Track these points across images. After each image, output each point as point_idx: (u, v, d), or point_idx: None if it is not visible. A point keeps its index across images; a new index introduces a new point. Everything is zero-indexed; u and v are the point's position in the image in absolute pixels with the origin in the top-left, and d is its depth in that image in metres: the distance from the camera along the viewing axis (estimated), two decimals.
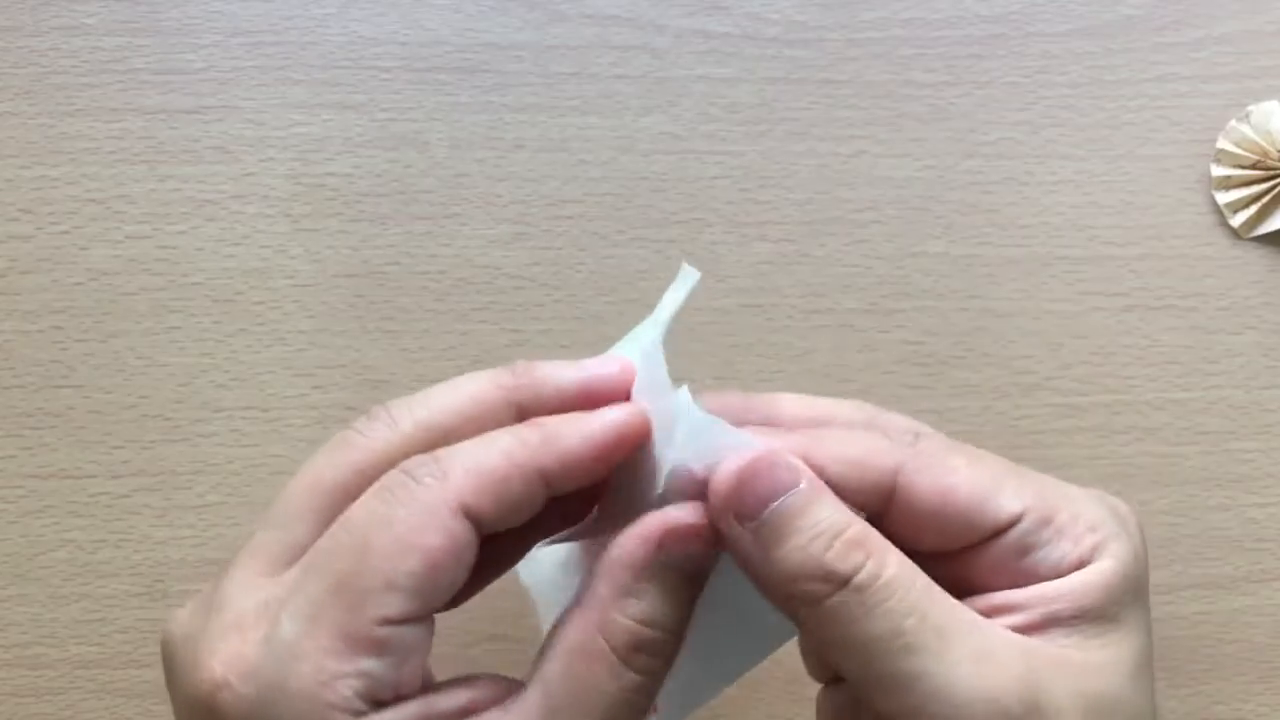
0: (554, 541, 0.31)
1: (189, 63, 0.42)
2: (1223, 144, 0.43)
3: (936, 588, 0.27)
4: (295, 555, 0.27)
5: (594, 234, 0.42)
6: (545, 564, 0.32)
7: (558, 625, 0.28)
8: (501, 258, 0.42)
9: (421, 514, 0.26)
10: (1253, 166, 0.43)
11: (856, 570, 0.26)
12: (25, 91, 0.41)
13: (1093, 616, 0.27)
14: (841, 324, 0.42)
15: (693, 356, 0.42)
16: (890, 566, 0.26)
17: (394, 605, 0.25)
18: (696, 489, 0.27)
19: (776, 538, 0.26)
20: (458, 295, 0.41)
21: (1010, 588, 0.28)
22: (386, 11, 0.42)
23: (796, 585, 0.26)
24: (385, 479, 0.27)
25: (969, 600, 0.28)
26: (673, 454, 0.27)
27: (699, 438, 0.27)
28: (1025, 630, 0.27)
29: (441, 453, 0.27)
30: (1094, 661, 0.27)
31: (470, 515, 0.26)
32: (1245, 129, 0.43)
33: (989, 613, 0.27)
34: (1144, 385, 0.42)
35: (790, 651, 0.32)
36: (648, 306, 0.41)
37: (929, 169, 0.43)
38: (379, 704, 0.26)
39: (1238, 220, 0.43)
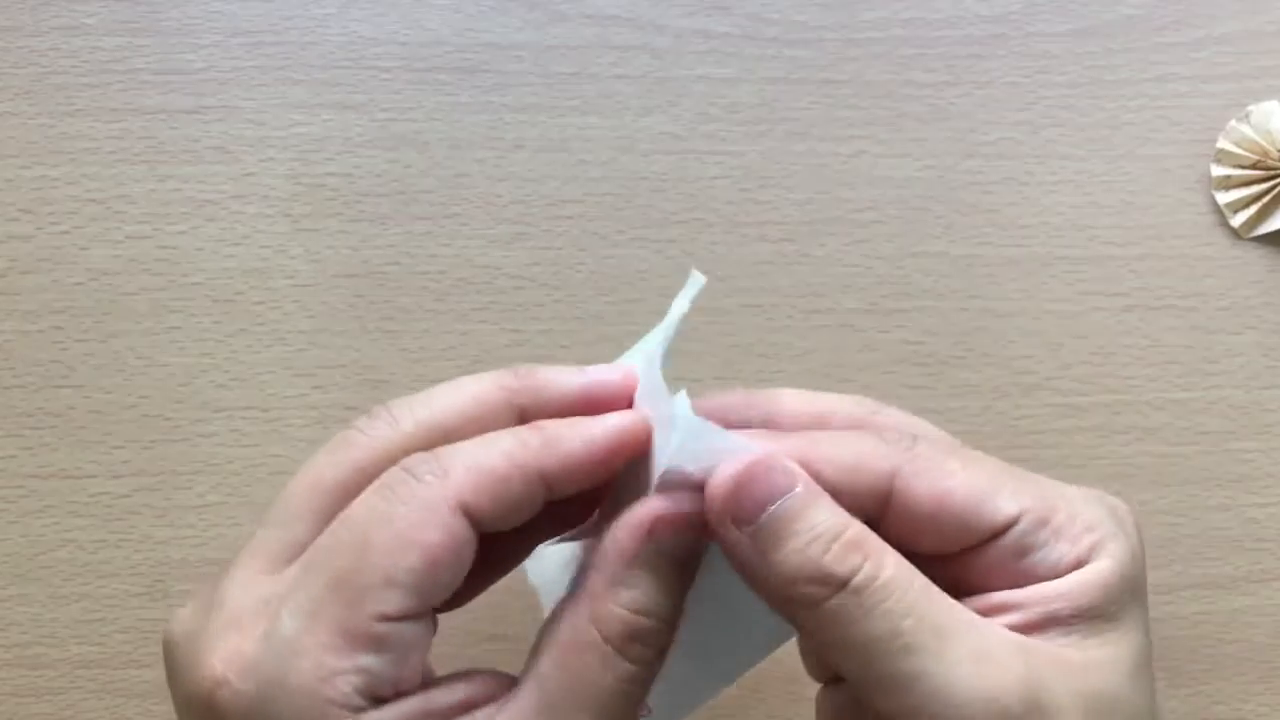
0: (560, 541, 0.31)
1: (189, 63, 0.42)
2: (1223, 144, 0.43)
3: (935, 588, 0.27)
4: (296, 553, 0.27)
5: (594, 234, 0.42)
6: (551, 563, 0.32)
7: (551, 619, 0.28)
8: (501, 258, 0.42)
9: (421, 511, 0.26)
10: (1253, 166, 0.43)
11: (854, 572, 0.26)
12: (25, 91, 0.41)
13: (1091, 616, 0.27)
14: (841, 324, 0.42)
15: (693, 356, 0.42)
16: (888, 568, 0.26)
17: (393, 602, 0.25)
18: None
19: (774, 541, 0.26)
20: (458, 295, 0.41)
21: (1009, 588, 0.28)
22: (386, 11, 0.42)
23: (794, 588, 0.26)
24: (386, 476, 0.27)
25: (968, 600, 0.28)
26: (665, 459, 0.27)
27: (695, 442, 0.27)
28: (1024, 629, 0.27)
29: (442, 451, 0.27)
30: (1093, 660, 0.27)
31: (469, 513, 0.26)
32: (1245, 129, 0.43)
33: (987, 612, 0.27)
34: (1144, 385, 0.42)
35: (790, 651, 0.32)
36: (648, 306, 0.42)
37: (929, 169, 0.43)
38: (378, 700, 0.26)
39: (1238, 220, 0.43)
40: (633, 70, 0.42)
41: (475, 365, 0.41)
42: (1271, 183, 0.42)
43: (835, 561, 0.26)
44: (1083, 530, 0.28)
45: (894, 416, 0.31)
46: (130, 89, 0.41)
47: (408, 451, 0.27)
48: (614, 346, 0.37)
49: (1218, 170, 0.43)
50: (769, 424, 0.30)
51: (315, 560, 0.26)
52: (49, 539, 0.40)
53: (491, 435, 0.28)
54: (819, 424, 0.30)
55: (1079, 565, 0.27)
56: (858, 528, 0.27)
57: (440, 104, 0.42)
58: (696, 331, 0.42)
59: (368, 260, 0.41)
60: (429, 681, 0.27)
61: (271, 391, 0.41)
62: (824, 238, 0.42)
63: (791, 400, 0.31)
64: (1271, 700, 0.42)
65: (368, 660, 0.25)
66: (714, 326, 0.42)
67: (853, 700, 0.30)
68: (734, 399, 0.30)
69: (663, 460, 0.27)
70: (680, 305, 0.29)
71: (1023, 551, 0.28)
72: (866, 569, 0.26)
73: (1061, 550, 0.28)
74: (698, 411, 0.27)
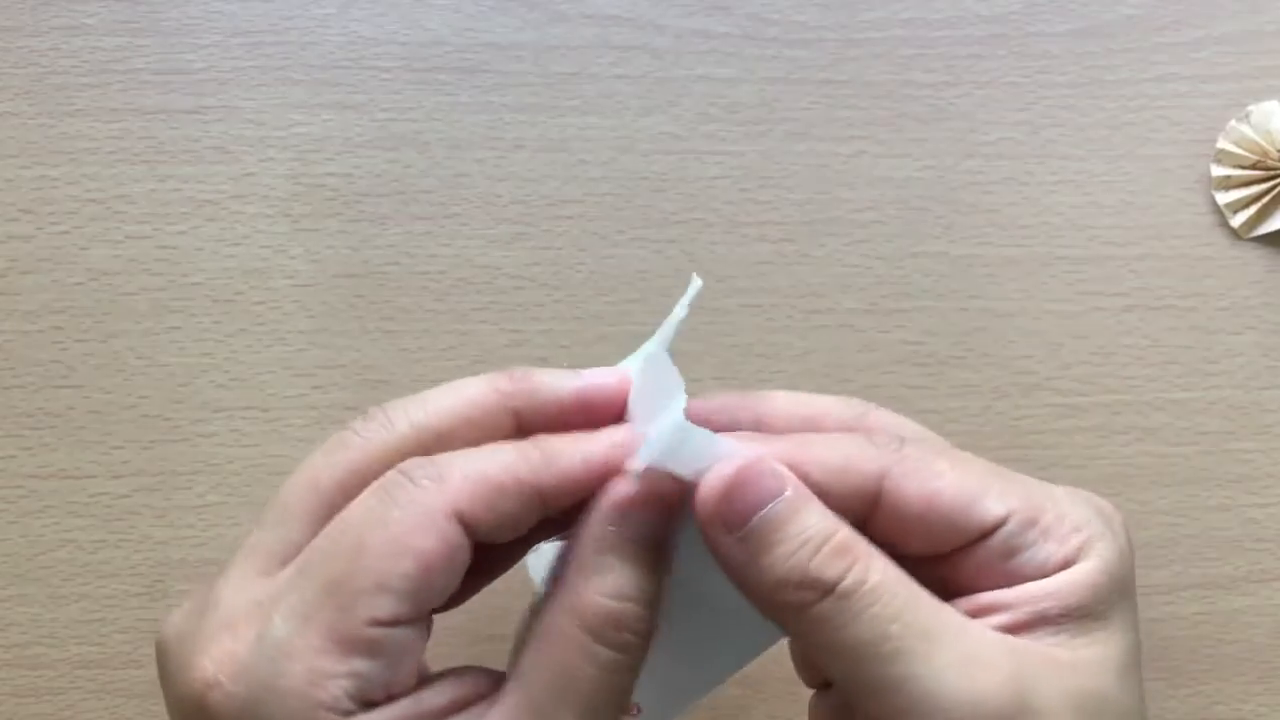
0: (561, 539, 0.31)
1: (189, 63, 0.42)
2: (1223, 144, 0.43)
3: (923, 592, 0.27)
4: (290, 555, 0.27)
5: (594, 234, 0.42)
6: (551, 559, 0.32)
7: (531, 616, 0.28)
8: (501, 258, 0.42)
9: (417, 516, 0.26)
10: (1253, 166, 0.43)
11: (841, 577, 0.26)
12: (25, 91, 0.41)
13: (1080, 615, 0.27)
14: (841, 324, 0.42)
15: (693, 356, 0.42)
16: (875, 572, 0.26)
17: (385, 607, 0.25)
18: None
19: (762, 546, 0.26)
20: (458, 295, 0.41)
21: (997, 589, 0.28)
22: (386, 11, 0.42)
23: (782, 593, 0.26)
24: (383, 479, 0.27)
25: (956, 601, 0.28)
26: (651, 455, 0.27)
27: (685, 446, 0.27)
28: (1013, 629, 0.27)
29: (441, 457, 0.27)
30: (1082, 660, 0.27)
31: (465, 521, 0.26)
32: (1245, 129, 0.43)
33: (977, 613, 0.27)
34: (1144, 385, 0.42)
35: (790, 651, 0.32)
36: (648, 306, 0.42)
37: (929, 169, 0.43)
38: (369, 704, 0.26)
39: (1238, 220, 0.43)
40: (633, 70, 0.42)
41: (475, 365, 0.41)
42: (1271, 183, 0.42)
43: (822, 566, 0.26)
44: (1070, 530, 0.28)
45: (884, 418, 0.31)
46: (130, 89, 0.41)
47: (403, 453, 0.27)
48: (614, 346, 0.37)
49: (1218, 170, 0.43)
50: (759, 426, 0.30)
51: (309, 563, 0.26)
52: (49, 539, 0.40)
53: (491, 446, 0.27)
54: (809, 426, 0.30)
55: (1067, 565, 0.28)
56: (846, 532, 0.27)
57: (440, 104, 0.42)
58: (696, 331, 0.42)
59: (367, 260, 0.41)
60: (421, 682, 0.27)
61: (271, 391, 0.41)
62: (824, 238, 0.42)
63: (782, 402, 0.31)
64: (1271, 700, 0.42)
65: (359, 664, 0.25)
66: (714, 326, 0.42)
67: (845, 705, 0.30)
68: (725, 401, 0.30)
69: (646, 454, 0.27)
70: (679, 310, 0.29)
71: (1011, 552, 0.28)
72: (854, 574, 0.26)
73: (1049, 550, 0.28)
74: (689, 413, 0.27)
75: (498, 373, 0.29)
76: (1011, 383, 0.42)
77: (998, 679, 0.26)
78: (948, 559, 0.28)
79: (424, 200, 0.42)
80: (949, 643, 0.26)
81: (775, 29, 0.43)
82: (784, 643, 0.32)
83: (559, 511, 0.28)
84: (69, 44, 0.41)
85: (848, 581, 0.26)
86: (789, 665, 0.32)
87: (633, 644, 0.27)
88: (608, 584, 0.27)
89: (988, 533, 0.28)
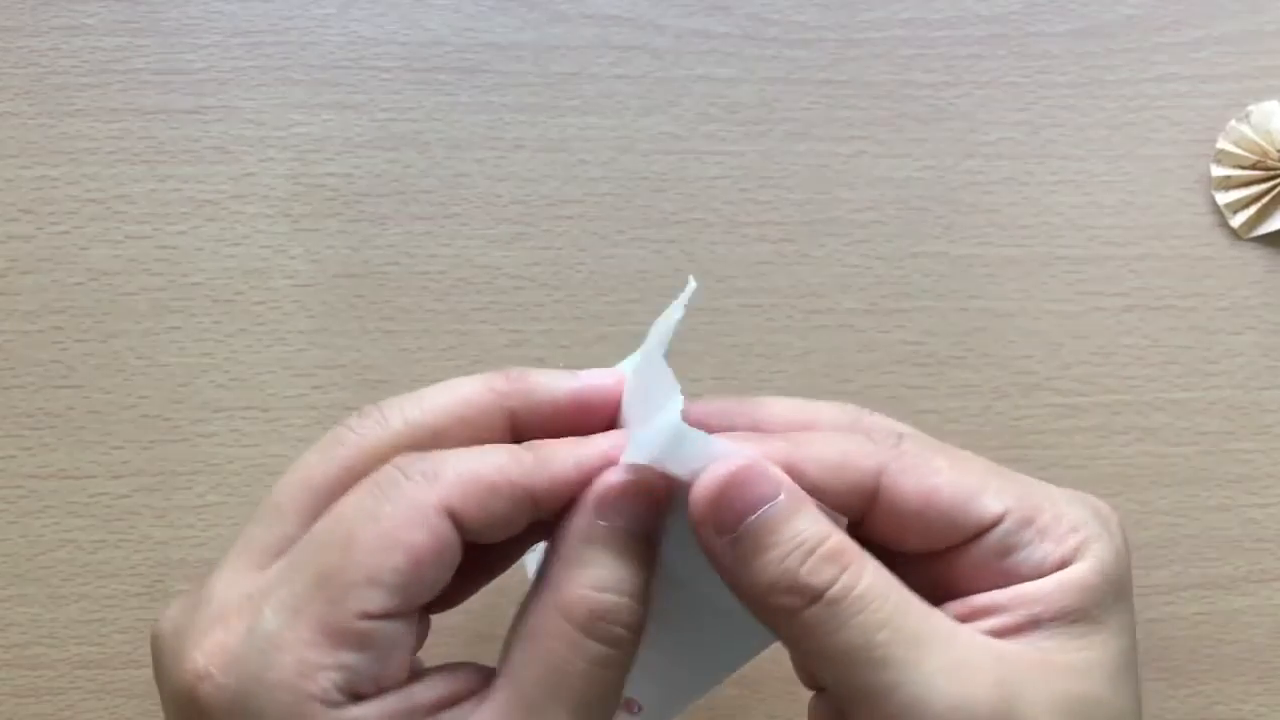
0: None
1: (189, 63, 0.42)
2: (1223, 144, 0.43)
3: (913, 597, 0.27)
4: (283, 550, 0.27)
5: (594, 234, 0.42)
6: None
7: (518, 613, 0.28)
8: (501, 258, 0.42)
9: (408, 511, 0.26)
10: (1253, 166, 0.43)
11: (829, 584, 0.26)
12: (25, 91, 0.41)
13: (1074, 617, 0.27)
14: (841, 324, 0.42)
15: (693, 356, 0.42)
16: (865, 579, 0.26)
17: (375, 600, 0.25)
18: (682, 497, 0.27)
19: (753, 550, 0.26)
20: (458, 295, 0.41)
21: (992, 588, 0.28)
22: (386, 11, 0.42)
23: (772, 597, 0.26)
24: (376, 475, 0.27)
25: (951, 604, 0.28)
26: (637, 451, 0.27)
27: (681, 446, 0.27)
28: (1008, 632, 0.27)
29: (434, 454, 0.27)
30: (1075, 663, 0.27)
31: (456, 518, 0.26)
32: (1245, 129, 0.43)
33: (971, 615, 0.27)
34: (1144, 385, 0.42)
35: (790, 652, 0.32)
36: (648, 306, 0.42)
37: (929, 169, 0.43)
38: (359, 696, 0.26)
39: (1238, 220, 0.43)
40: (633, 70, 0.42)
41: (475, 365, 0.41)
42: (1271, 183, 0.42)
43: (811, 573, 0.26)
44: (1068, 531, 0.28)
45: (879, 423, 0.31)
46: (130, 89, 0.41)
47: (397, 450, 0.27)
48: (614, 346, 0.37)
49: (1218, 170, 0.43)
50: (755, 430, 0.30)
51: (300, 556, 0.26)
52: (49, 539, 0.40)
53: (486, 447, 0.27)
54: (805, 429, 0.30)
55: (1063, 565, 0.28)
56: (838, 538, 0.27)
57: (440, 104, 0.42)
58: (696, 331, 0.42)
59: (367, 260, 0.41)
60: (412, 677, 0.27)
61: (271, 391, 0.41)
62: (824, 238, 0.42)
63: (777, 409, 0.31)
64: (1271, 700, 0.42)
65: (349, 657, 0.25)
66: (714, 326, 0.42)
67: (842, 708, 0.30)
68: (721, 406, 0.30)
69: (637, 450, 0.27)
70: (676, 311, 0.29)
71: (1006, 550, 0.28)
72: (843, 580, 0.26)
73: (1046, 550, 0.28)
74: (685, 416, 0.27)
75: (494, 372, 0.29)
76: (1011, 383, 0.42)
77: (985, 684, 0.26)
78: (943, 557, 0.28)
79: (424, 200, 0.42)
80: (938, 649, 0.26)
81: (775, 29, 0.43)
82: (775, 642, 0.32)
83: (552, 514, 0.28)
84: (69, 44, 0.41)
85: (836, 588, 0.26)
86: (788, 665, 0.32)
87: (624, 638, 0.27)
88: (594, 577, 0.27)
89: (984, 530, 0.28)
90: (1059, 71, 0.43)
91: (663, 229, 0.42)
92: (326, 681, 0.25)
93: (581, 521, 0.27)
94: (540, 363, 0.41)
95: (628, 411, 0.29)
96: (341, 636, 0.25)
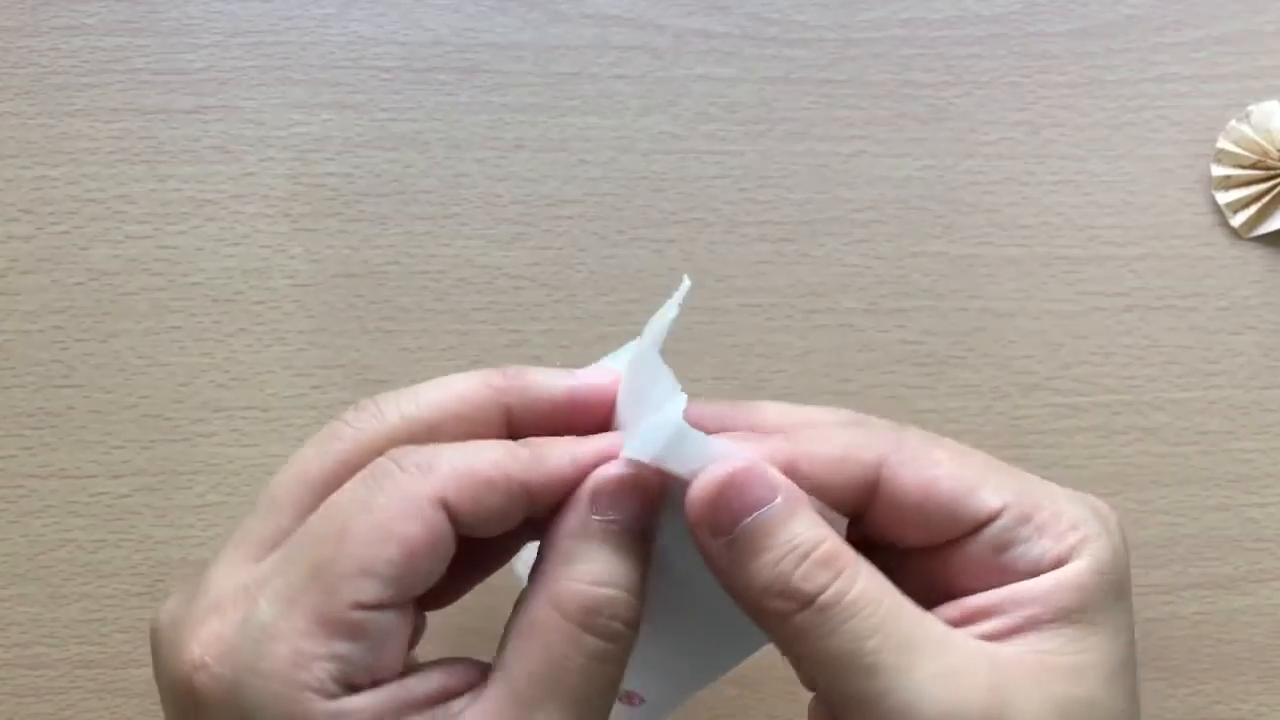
0: None
1: (189, 63, 0.42)
2: (1223, 144, 0.43)
3: (907, 603, 0.27)
4: (279, 542, 0.27)
5: (594, 234, 0.42)
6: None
7: (514, 610, 0.28)
8: (501, 258, 0.42)
9: (402, 502, 0.26)
10: (1253, 166, 0.43)
11: (821, 590, 0.26)
12: (25, 91, 0.41)
13: (1071, 618, 0.27)
14: (841, 324, 0.42)
15: (692, 356, 0.42)
16: (858, 585, 0.26)
17: (369, 591, 0.25)
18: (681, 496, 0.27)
19: (748, 553, 0.26)
20: (457, 295, 0.41)
21: (989, 585, 0.28)
22: (386, 11, 0.42)
23: (765, 600, 0.26)
24: (371, 467, 0.27)
25: (948, 606, 0.28)
26: (634, 448, 0.27)
27: (681, 446, 0.27)
28: (1004, 635, 0.27)
29: (429, 447, 0.27)
30: (1071, 665, 0.27)
31: (449, 511, 0.26)
32: (1245, 129, 0.43)
33: (966, 618, 0.27)
34: (1144, 385, 0.42)
35: None
36: (648, 306, 0.42)
37: (929, 169, 0.43)
38: (353, 687, 0.26)
39: (1238, 220, 0.43)
40: (633, 70, 0.42)
41: (475, 365, 0.41)
42: (1271, 183, 0.42)
43: (804, 578, 0.26)
44: (1067, 528, 0.28)
45: (878, 423, 0.31)
46: (130, 89, 0.41)
47: (393, 445, 0.27)
48: (613, 346, 0.37)
49: (1218, 170, 0.43)
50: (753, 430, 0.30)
51: (296, 548, 0.27)
52: (49, 539, 0.40)
53: (482, 443, 0.28)
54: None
55: (1060, 563, 0.27)
56: (833, 543, 0.27)
57: (440, 104, 0.42)
58: (696, 331, 0.42)
59: (367, 260, 0.41)
60: (408, 670, 0.27)
61: (271, 391, 0.41)
62: (823, 238, 0.42)
63: (773, 413, 0.31)
64: (1271, 700, 0.42)
65: (343, 647, 0.25)
66: (714, 326, 0.42)
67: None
68: (716, 410, 0.30)
69: (633, 447, 0.27)
70: (670, 310, 0.29)
71: (1004, 546, 0.28)
72: (836, 586, 0.26)
73: (1044, 546, 0.27)
74: (685, 416, 0.27)
75: (491, 369, 0.29)
76: (1011, 383, 0.42)
77: (978, 690, 0.26)
78: (941, 552, 0.28)
79: (424, 200, 0.42)
80: (930, 655, 0.26)
81: (775, 29, 0.43)
82: None
83: (546, 510, 0.28)
84: (69, 44, 0.41)
85: (828, 594, 0.26)
86: (788, 665, 0.32)
87: (620, 633, 0.27)
88: (589, 571, 0.27)
89: (982, 524, 0.28)
90: (1059, 71, 0.43)
91: (662, 229, 0.42)
92: (321, 671, 0.25)
93: (577, 516, 0.27)
94: (540, 362, 0.41)
95: (623, 410, 0.29)
96: (335, 626, 0.25)
